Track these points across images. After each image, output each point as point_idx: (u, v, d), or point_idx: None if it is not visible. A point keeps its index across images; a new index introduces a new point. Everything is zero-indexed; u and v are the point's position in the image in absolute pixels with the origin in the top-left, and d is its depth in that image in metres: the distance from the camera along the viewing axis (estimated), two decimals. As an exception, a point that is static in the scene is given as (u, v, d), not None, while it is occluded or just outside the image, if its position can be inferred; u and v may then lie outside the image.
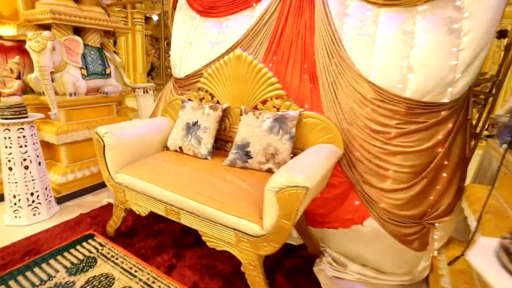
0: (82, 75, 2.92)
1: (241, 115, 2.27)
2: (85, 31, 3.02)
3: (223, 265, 2.09)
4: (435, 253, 2.06)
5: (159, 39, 10.92)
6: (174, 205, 1.90)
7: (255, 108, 2.32)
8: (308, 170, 1.54)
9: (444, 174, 1.99)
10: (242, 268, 1.73)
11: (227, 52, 2.60)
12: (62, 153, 2.93)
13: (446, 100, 1.97)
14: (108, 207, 2.82)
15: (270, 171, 2.10)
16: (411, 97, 2.00)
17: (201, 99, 2.57)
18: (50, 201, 2.66)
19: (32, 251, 2.15)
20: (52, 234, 2.36)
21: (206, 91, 2.54)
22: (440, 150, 1.98)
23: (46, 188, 2.60)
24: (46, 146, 2.91)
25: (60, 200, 2.86)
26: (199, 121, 2.35)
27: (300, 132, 2.14)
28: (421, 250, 2.00)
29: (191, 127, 2.36)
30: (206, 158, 2.31)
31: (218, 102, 2.49)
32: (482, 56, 1.93)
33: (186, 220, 1.87)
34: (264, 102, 2.30)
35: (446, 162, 1.99)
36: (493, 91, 2.24)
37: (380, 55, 2.11)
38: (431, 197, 1.99)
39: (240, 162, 2.14)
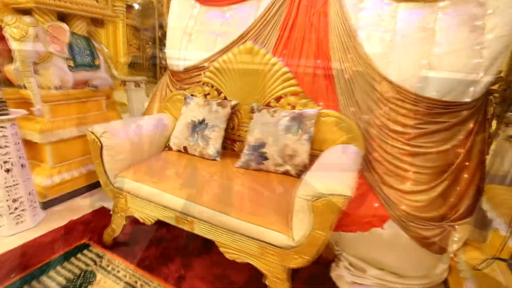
0: (69, 66, 2.59)
1: (253, 112, 2.08)
2: (71, 17, 2.68)
3: (236, 274, 1.92)
4: (452, 254, 2.01)
5: (140, 30, 10.32)
6: (186, 213, 1.69)
7: (268, 105, 2.14)
8: (344, 176, 1.39)
9: (465, 175, 1.92)
10: (266, 282, 1.56)
11: (233, 44, 2.38)
12: (47, 153, 2.60)
13: (467, 100, 1.89)
14: (102, 212, 2.54)
15: (287, 174, 1.94)
16: (432, 97, 1.90)
17: (205, 95, 2.35)
18: (35, 207, 2.34)
19: (18, 266, 1.86)
20: (40, 245, 2.07)
21: (212, 86, 2.32)
22: (461, 150, 1.91)
23: (30, 193, 2.29)
24: (28, 145, 2.56)
25: (46, 205, 2.54)
26: (206, 119, 2.13)
27: (317, 132, 1.99)
28: (441, 253, 1.93)
29: (197, 126, 2.13)
30: (214, 159, 2.10)
31: (225, 98, 2.28)
32: (505, 54, 1.85)
33: (201, 230, 1.67)
34: (278, 99, 2.12)
35: (467, 163, 1.92)
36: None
37: (399, 53, 1.99)
38: (451, 199, 1.92)
39: (254, 164, 1.96)
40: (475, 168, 1.92)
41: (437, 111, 1.91)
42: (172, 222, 1.76)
